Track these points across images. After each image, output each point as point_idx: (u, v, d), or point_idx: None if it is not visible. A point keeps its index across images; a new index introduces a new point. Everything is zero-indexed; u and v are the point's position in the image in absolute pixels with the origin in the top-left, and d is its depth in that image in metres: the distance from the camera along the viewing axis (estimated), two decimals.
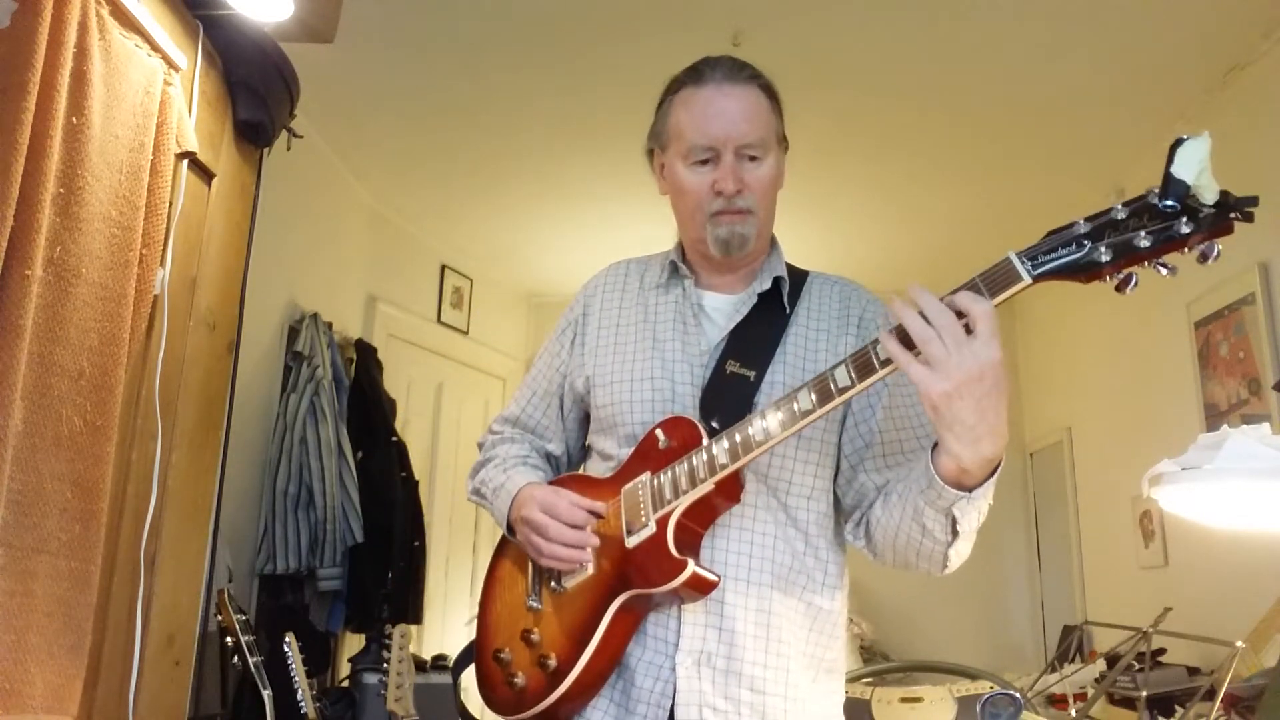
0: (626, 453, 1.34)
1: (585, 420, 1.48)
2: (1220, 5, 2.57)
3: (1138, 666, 2.43)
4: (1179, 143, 0.94)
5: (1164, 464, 1.23)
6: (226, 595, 2.06)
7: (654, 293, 1.44)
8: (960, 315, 1.01)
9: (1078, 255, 0.99)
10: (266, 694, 2.00)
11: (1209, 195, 0.93)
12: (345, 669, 3.27)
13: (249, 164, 2.04)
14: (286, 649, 2.11)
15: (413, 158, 3.67)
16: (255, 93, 1.95)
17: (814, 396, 1.14)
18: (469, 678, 1.47)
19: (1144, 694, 2.35)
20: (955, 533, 1.15)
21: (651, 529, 1.24)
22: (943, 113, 3.19)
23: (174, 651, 1.77)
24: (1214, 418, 2.90)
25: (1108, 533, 3.77)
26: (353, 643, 3.50)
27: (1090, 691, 2.74)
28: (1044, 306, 4.57)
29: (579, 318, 1.49)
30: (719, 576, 1.24)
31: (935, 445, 1.10)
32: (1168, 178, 0.94)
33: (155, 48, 1.63)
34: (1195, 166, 0.93)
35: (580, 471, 1.51)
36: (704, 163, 1.32)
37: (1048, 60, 2.86)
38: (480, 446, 1.56)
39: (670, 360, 1.36)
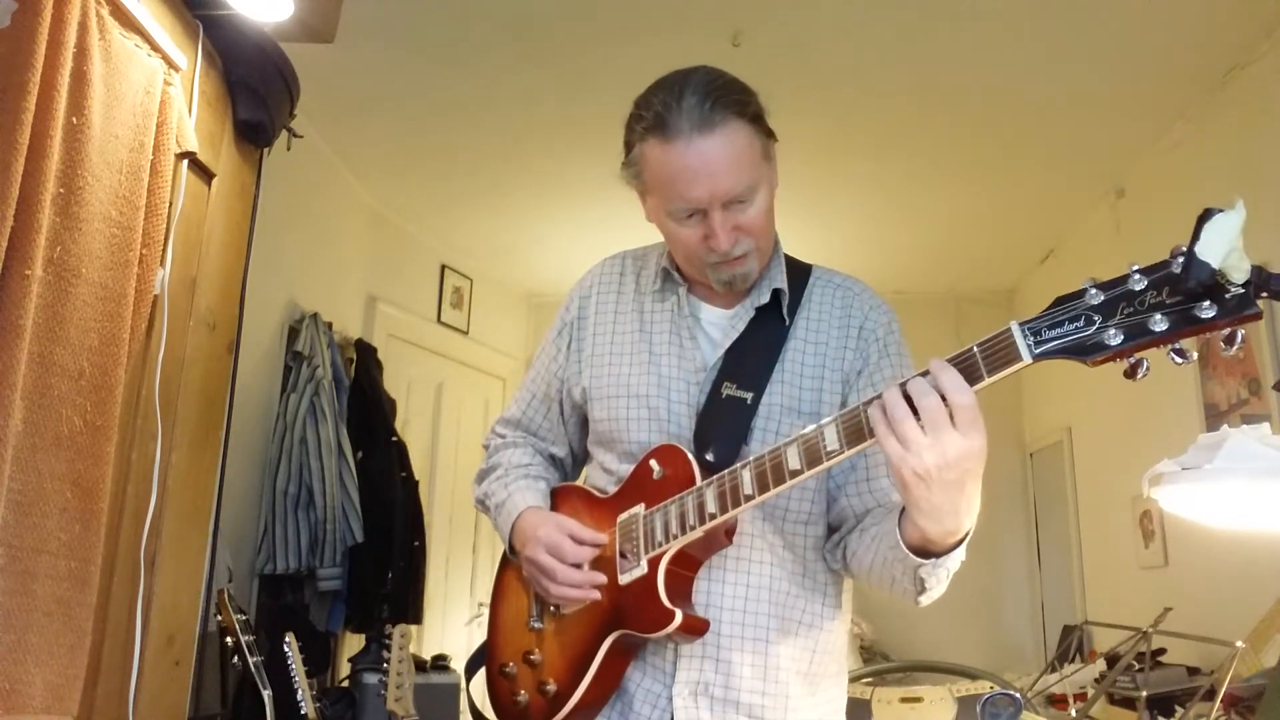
0: (626, 469, 1.32)
1: (586, 423, 1.46)
2: (1220, 5, 2.57)
3: (1138, 666, 2.43)
4: (1207, 215, 0.83)
5: (1164, 464, 1.23)
6: (226, 595, 2.06)
7: (650, 298, 1.40)
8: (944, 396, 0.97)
9: (1085, 334, 0.90)
10: (266, 694, 2.00)
11: (1238, 275, 0.82)
12: (345, 669, 3.27)
13: (249, 164, 2.04)
14: (286, 649, 2.11)
15: (413, 158, 3.66)
16: (255, 93, 1.96)
17: (803, 459, 1.10)
18: (479, 681, 1.47)
19: (1144, 694, 2.35)
20: (924, 589, 1.14)
21: (643, 569, 1.23)
22: (943, 112, 3.19)
23: (174, 651, 1.77)
24: (1214, 418, 2.90)
25: (1108, 533, 3.77)
26: (353, 643, 3.50)
27: (1090, 691, 2.74)
28: (1044, 306, 4.57)
29: (574, 320, 1.45)
30: (709, 622, 1.23)
31: (904, 510, 1.09)
32: (1191, 259, 0.82)
33: (155, 48, 1.63)
34: (1224, 247, 0.82)
35: (583, 475, 1.50)
36: (689, 216, 1.24)
37: (1048, 60, 2.86)
38: (485, 448, 1.55)
39: (666, 377, 1.33)
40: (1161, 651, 2.77)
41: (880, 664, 3.58)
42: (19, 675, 1.29)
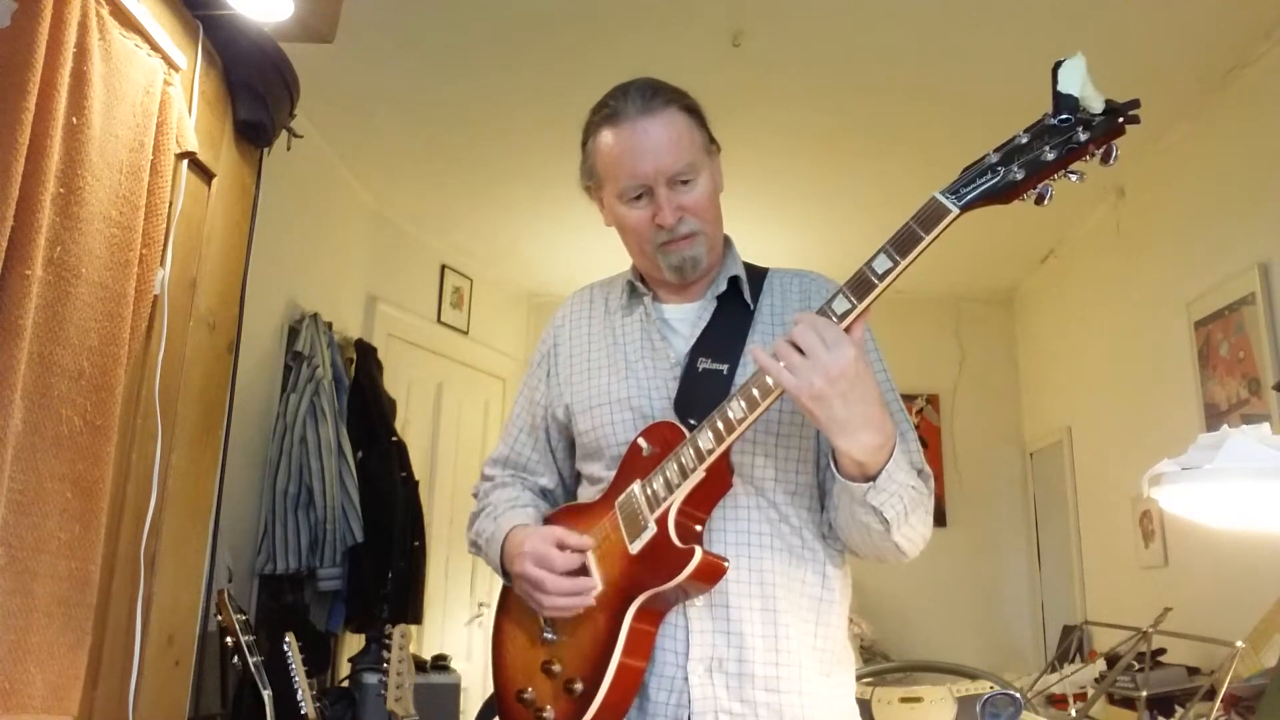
0: (614, 475, 1.35)
1: (573, 447, 1.49)
2: (1220, 5, 2.57)
3: (1138, 666, 2.43)
4: (1059, 64, 1.06)
5: (1164, 464, 1.23)
6: (226, 595, 2.06)
7: (618, 315, 1.47)
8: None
9: (995, 180, 1.10)
10: (266, 694, 2.00)
11: (1096, 104, 1.05)
12: (345, 669, 3.27)
13: (249, 164, 2.04)
14: (286, 649, 2.11)
15: (413, 158, 3.66)
16: (255, 93, 1.95)
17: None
18: None
19: (1144, 694, 2.35)
20: (886, 520, 1.20)
21: (652, 529, 1.24)
22: (943, 111, 3.19)
23: (174, 651, 1.77)
24: (1214, 418, 2.90)
25: (1108, 533, 3.77)
26: (353, 643, 3.50)
27: (1090, 691, 2.74)
28: (1044, 307, 4.58)
29: (550, 350, 1.51)
30: (728, 560, 1.25)
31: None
32: (1056, 95, 1.06)
33: (155, 48, 1.63)
34: (1078, 80, 1.05)
35: (575, 500, 1.51)
36: (639, 198, 1.34)
37: (1048, 60, 2.85)
38: (475, 496, 1.56)
39: (644, 378, 1.38)
40: (1161, 651, 2.78)
41: (880, 664, 3.58)
42: (19, 675, 1.29)
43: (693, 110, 1.37)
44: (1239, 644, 1.97)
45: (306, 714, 2.08)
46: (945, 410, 4.83)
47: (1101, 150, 1.07)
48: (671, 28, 2.75)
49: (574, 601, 1.27)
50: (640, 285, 1.45)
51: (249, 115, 1.96)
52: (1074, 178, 1.09)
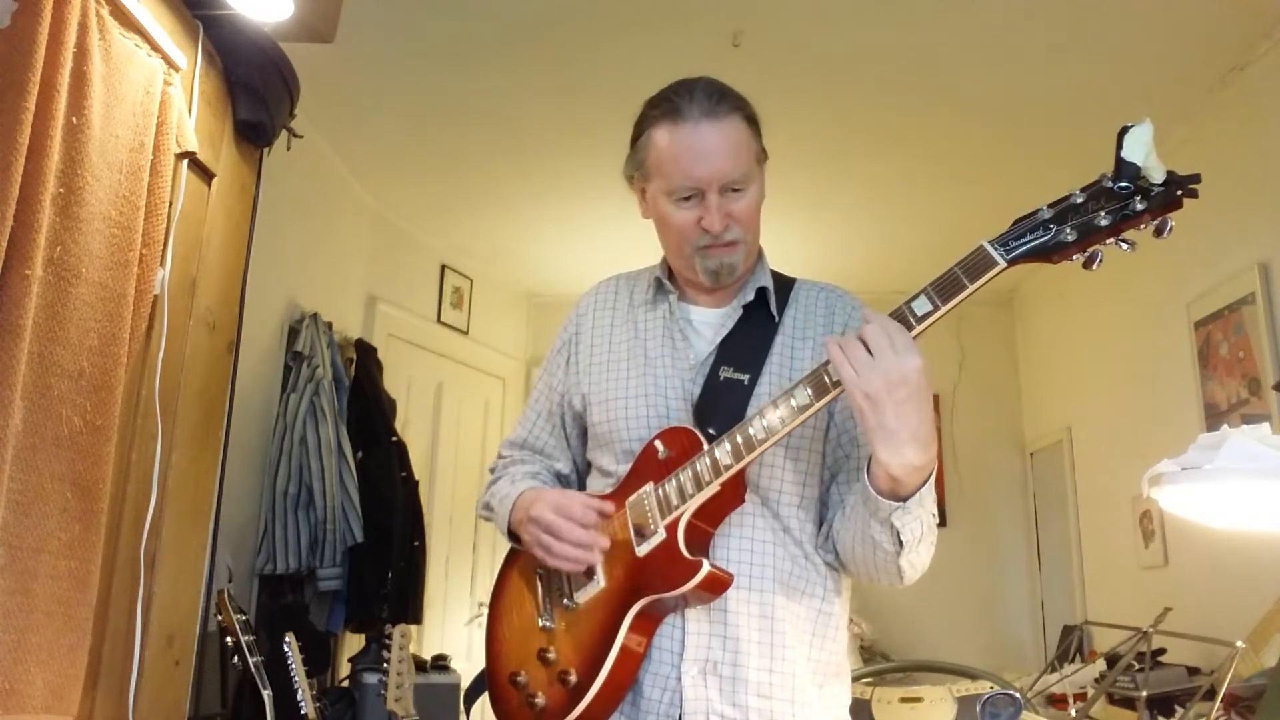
0: (624, 469, 1.35)
1: (586, 436, 1.50)
2: (1220, 5, 2.57)
3: (1138, 666, 2.43)
4: (1125, 130, 1.04)
5: (1164, 464, 1.23)
6: (226, 595, 2.06)
7: (642, 309, 1.47)
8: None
9: (1046, 238, 1.09)
10: (266, 694, 1.99)
11: (1157, 175, 1.03)
12: (345, 669, 3.27)
13: (249, 164, 2.04)
14: (286, 649, 2.11)
15: (413, 158, 3.66)
16: (255, 93, 1.95)
17: (810, 391, 1.18)
18: (482, 709, 1.46)
19: (1144, 694, 2.35)
20: (900, 543, 1.19)
21: (662, 535, 1.25)
22: (944, 112, 3.19)
23: (174, 651, 1.77)
24: (1214, 418, 2.90)
25: (1108, 533, 3.77)
26: (353, 643, 3.50)
27: (1090, 691, 2.74)
28: (1044, 307, 4.57)
29: (572, 337, 1.52)
30: (732, 574, 1.25)
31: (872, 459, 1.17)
32: (1119, 162, 1.03)
33: (155, 48, 1.63)
34: (1142, 149, 1.02)
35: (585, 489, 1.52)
36: (687, 199, 1.34)
37: (1049, 61, 2.86)
38: (491, 471, 1.59)
39: (662, 376, 1.38)
40: (1161, 651, 2.78)
41: (880, 664, 3.58)
42: (19, 675, 1.29)
43: (752, 119, 1.36)
44: (1239, 644, 1.97)
45: (306, 714, 2.08)
46: (945, 410, 4.82)
47: (1156, 221, 1.05)
48: (671, 28, 2.75)
49: (582, 554, 1.28)
50: (667, 282, 1.45)
51: (249, 115, 1.96)
52: (1125, 246, 1.07)
